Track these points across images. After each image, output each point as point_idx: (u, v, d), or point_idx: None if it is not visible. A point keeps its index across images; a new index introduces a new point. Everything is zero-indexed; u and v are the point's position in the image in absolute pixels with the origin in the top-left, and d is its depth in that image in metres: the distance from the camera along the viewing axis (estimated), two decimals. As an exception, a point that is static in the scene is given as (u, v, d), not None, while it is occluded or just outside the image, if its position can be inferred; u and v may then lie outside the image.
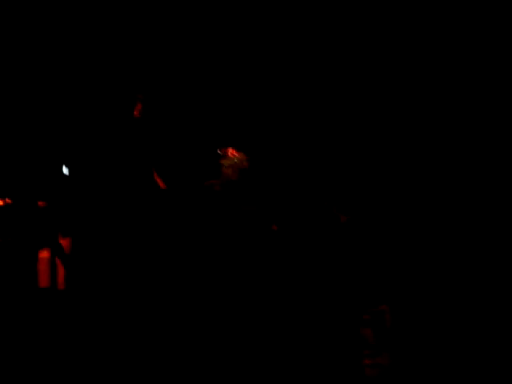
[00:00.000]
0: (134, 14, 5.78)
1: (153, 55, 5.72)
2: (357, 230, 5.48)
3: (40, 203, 5.17)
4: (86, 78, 5.60)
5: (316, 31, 5.75)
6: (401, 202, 5.55)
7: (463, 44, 5.39)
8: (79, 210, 5.24)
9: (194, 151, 5.62)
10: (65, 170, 5.27)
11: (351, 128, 5.70)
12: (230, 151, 5.43)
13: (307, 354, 5.12)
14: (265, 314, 5.20)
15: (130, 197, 5.27)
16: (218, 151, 5.41)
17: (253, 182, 5.41)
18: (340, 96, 5.70)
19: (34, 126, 5.52)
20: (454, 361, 5.04)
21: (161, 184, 5.30)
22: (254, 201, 5.44)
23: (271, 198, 5.50)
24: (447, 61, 5.54)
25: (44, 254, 5.02)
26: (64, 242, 5.07)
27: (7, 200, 5.08)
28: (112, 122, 5.46)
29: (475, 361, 5.02)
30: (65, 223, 5.16)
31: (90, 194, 5.28)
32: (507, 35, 5.14)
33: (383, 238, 5.47)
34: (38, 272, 4.97)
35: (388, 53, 5.70)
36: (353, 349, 5.12)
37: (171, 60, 5.72)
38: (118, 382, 4.90)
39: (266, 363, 5.05)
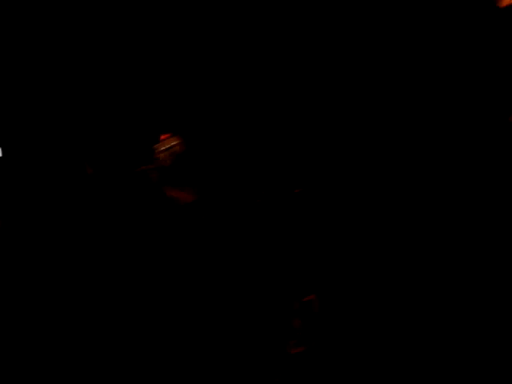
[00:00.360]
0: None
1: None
2: (286, 218, 5.49)
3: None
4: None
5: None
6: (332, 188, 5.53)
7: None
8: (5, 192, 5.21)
9: (126, 135, 5.54)
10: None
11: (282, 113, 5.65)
12: (165, 135, 5.34)
13: (232, 344, 5.17)
14: (188, 302, 5.23)
15: (57, 181, 5.23)
16: (153, 136, 5.34)
17: (187, 166, 5.35)
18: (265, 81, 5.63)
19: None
20: (381, 350, 5.08)
21: (88, 169, 5.24)
22: (188, 186, 5.42)
23: (205, 184, 5.47)
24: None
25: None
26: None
27: None
28: (40, 102, 5.39)
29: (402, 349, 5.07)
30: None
31: (15, 175, 5.24)
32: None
33: (313, 227, 5.48)
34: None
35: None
36: (280, 338, 5.17)
37: (105, 43, 5.62)
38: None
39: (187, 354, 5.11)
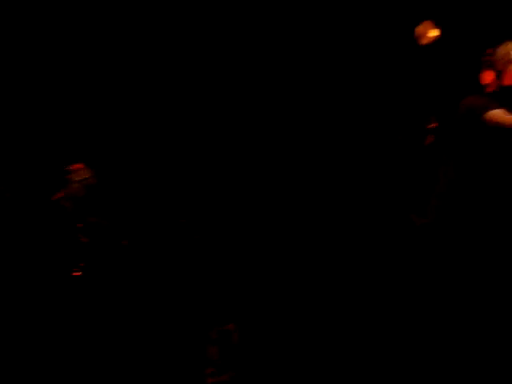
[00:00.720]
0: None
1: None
2: (210, 246, 5.52)
3: None
4: None
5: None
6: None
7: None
8: None
9: (43, 166, 5.50)
10: None
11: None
12: (78, 167, 5.28)
13: (150, 373, 5.21)
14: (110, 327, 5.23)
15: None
16: (67, 167, 5.27)
17: (99, 196, 5.33)
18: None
19: None
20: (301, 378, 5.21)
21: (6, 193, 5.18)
22: (102, 215, 5.40)
23: (119, 212, 5.50)
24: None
25: None
26: None
27: None
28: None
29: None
30: None
31: None
32: None
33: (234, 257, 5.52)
34: None
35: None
36: (197, 367, 5.24)
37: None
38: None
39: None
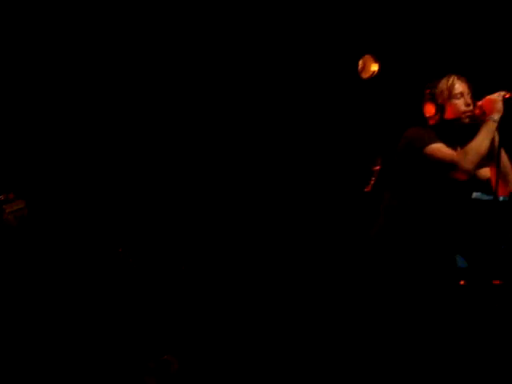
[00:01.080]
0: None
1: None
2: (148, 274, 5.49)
3: None
4: None
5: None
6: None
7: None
8: None
9: None
10: None
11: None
12: (10, 197, 5.21)
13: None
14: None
15: None
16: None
17: (32, 228, 5.26)
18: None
19: None
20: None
21: None
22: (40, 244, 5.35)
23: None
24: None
25: None
26: None
27: None
28: None
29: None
30: None
31: None
32: None
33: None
34: None
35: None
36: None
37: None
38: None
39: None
